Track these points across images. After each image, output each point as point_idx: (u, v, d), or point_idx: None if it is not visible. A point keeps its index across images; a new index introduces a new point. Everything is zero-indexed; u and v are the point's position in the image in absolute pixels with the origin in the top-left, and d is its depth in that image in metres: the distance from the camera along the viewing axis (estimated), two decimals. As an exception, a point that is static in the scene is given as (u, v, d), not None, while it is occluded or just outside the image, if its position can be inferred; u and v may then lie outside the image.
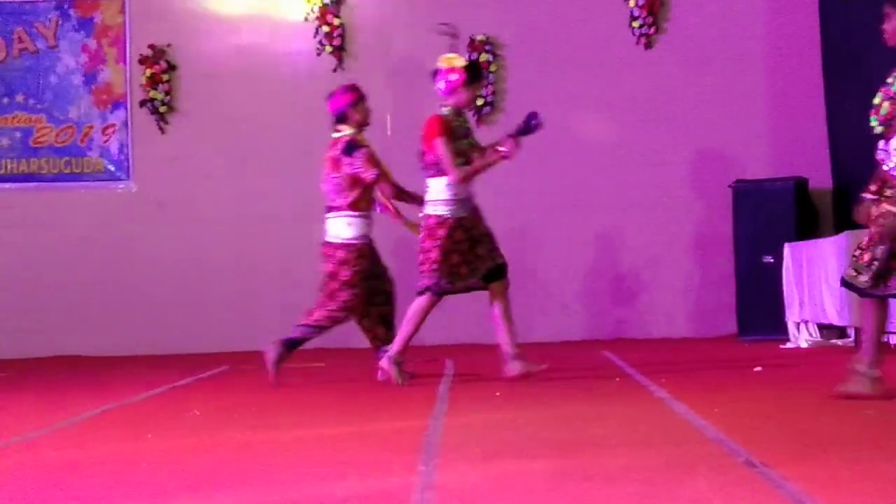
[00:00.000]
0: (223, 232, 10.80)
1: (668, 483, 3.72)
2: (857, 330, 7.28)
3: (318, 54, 10.95)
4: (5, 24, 10.97)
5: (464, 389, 7.06)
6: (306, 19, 10.93)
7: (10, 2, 10.98)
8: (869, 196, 5.82)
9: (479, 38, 10.95)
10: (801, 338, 9.05)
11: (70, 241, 10.80)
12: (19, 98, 10.98)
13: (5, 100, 10.97)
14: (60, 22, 11.01)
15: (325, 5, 10.90)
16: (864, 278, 5.65)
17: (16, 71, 10.99)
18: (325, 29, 10.91)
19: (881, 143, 5.76)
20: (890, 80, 5.74)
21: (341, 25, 10.95)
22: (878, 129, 5.77)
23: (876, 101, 5.75)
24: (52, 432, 5.61)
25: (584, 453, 4.42)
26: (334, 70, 10.92)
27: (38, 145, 10.98)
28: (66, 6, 11.00)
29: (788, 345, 9.05)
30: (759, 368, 7.32)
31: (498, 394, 6.59)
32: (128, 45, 11.00)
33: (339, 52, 10.96)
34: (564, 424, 5.35)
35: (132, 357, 10.09)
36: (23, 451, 5.03)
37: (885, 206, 5.66)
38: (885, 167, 5.72)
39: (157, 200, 10.83)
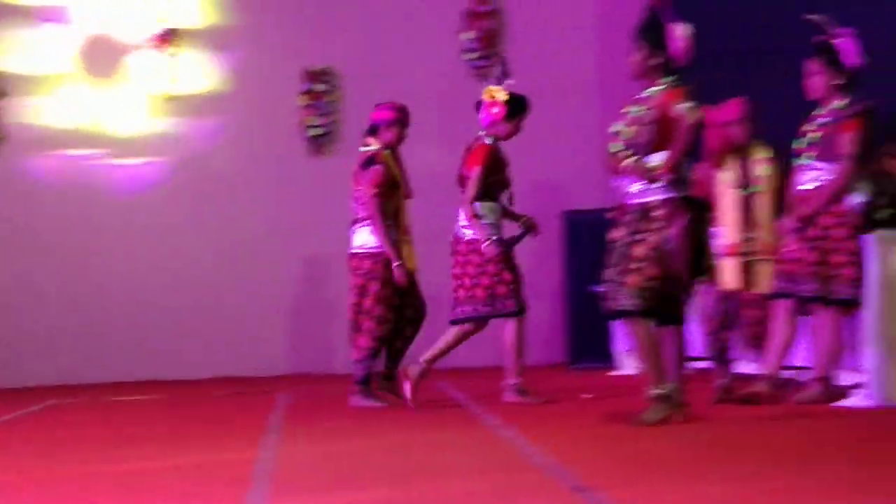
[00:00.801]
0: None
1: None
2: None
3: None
4: None
5: (297, 420, 7.03)
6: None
7: None
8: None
9: (316, 68, 10.97)
10: (629, 365, 9.25)
11: None
12: None
13: None
14: None
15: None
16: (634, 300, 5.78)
17: None
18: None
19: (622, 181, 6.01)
20: (628, 110, 5.98)
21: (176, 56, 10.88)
22: (619, 151, 5.96)
23: (615, 129, 5.98)
24: None
25: (416, 482, 4.49)
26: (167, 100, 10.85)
27: None
28: None
29: (616, 372, 9.24)
30: (588, 395, 7.54)
31: (330, 424, 6.63)
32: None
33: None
34: (398, 453, 5.41)
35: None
36: None
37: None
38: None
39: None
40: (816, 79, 6.52)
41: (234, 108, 10.92)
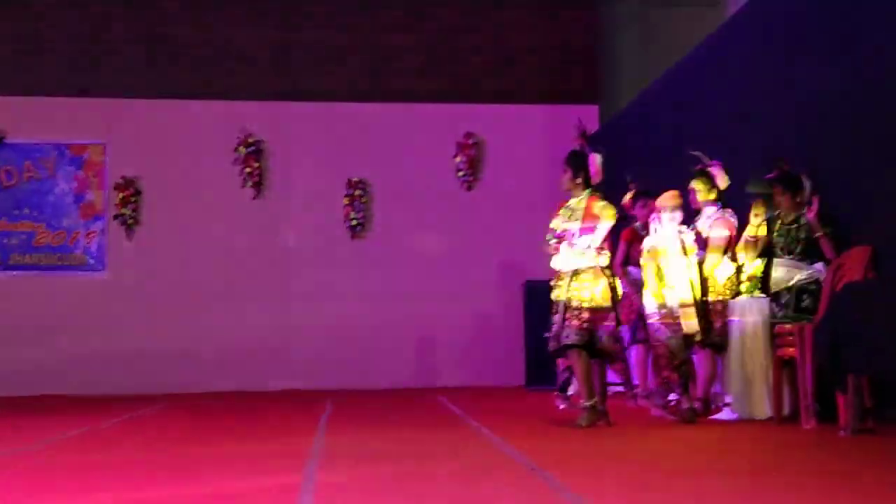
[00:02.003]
0: (162, 307, 10.60)
1: (475, 481, 3.84)
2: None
3: (242, 186, 10.93)
4: (18, 158, 10.71)
5: (339, 419, 6.92)
6: (235, 162, 10.93)
7: (22, 143, 10.73)
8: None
9: (355, 178, 11.06)
10: (572, 387, 9.24)
11: (60, 311, 10.49)
12: (26, 210, 10.69)
13: (16, 211, 10.67)
14: (57, 158, 10.80)
15: (248, 154, 10.92)
16: (575, 337, 5.77)
17: (24, 192, 10.72)
18: (248, 169, 10.94)
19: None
20: (561, 212, 6.05)
21: (259, 167, 10.97)
22: (552, 248, 6.01)
23: (553, 224, 6.07)
24: (41, 447, 5.41)
25: (420, 462, 4.50)
26: (253, 198, 10.93)
27: (39, 244, 10.69)
28: (62, 148, 10.81)
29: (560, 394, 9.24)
30: (563, 406, 7.18)
31: (362, 425, 6.56)
32: (107, 177, 10.83)
33: (257, 186, 10.97)
34: (407, 443, 5.43)
35: (85, 396, 9.68)
36: (20, 459, 4.80)
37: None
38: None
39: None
40: (696, 194, 6.59)
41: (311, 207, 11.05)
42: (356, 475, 4.04)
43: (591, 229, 5.89)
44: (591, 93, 11.43)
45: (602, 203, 5.95)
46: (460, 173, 11.22)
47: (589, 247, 5.87)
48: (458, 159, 11.21)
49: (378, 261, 10.95)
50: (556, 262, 5.99)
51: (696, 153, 6.59)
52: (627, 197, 7.40)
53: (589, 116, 11.00)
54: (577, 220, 5.93)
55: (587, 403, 5.79)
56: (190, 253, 10.73)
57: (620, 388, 7.91)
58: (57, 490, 3.79)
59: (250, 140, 10.93)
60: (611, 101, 11.21)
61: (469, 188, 11.25)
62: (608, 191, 6.36)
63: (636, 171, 7.75)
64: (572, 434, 5.56)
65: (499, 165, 11.27)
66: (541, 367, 9.66)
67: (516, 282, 10.48)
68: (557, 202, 6.22)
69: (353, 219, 11.01)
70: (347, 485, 3.77)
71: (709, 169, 6.54)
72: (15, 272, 10.58)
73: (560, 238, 5.99)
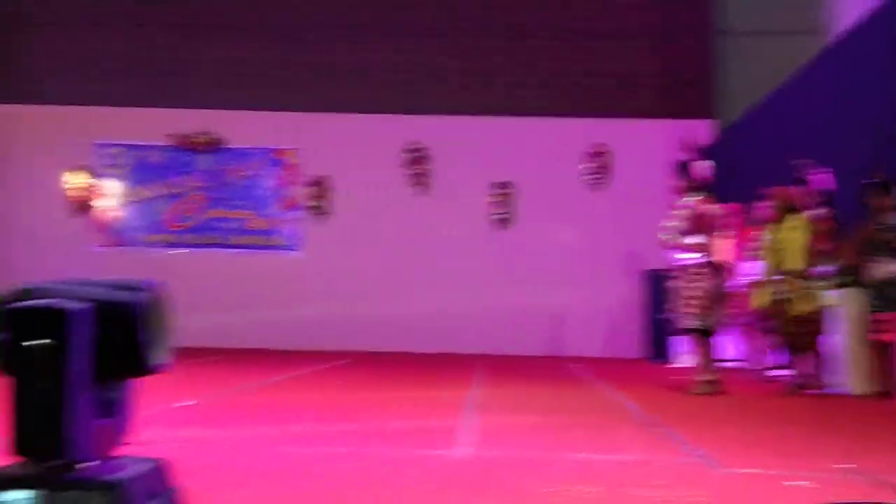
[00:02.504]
0: (344, 281, 10.95)
1: (604, 430, 3.88)
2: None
3: (409, 185, 11.17)
4: (234, 160, 11.25)
5: (488, 377, 7.08)
6: (404, 165, 11.17)
7: (237, 148, 11.25)
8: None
9: (502, 180, 11.14)
10: (684, 360, 9.07)
11: (265, 282, 11.01)
12: (240, 202, 11.24)
13: (233, 202, 11.22)
14: (264, 161, 11.29)
15: (415, 158, 11.15)
16: (697, 322, 5.70)
17: (238, 187, 11.25)
18: (415, 171, 11.17)
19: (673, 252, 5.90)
20: (674, 213, 5.94)
21: (424, 169, 11.19)
22: (667, 241, 5.94)
23: (665, 224, 5.94)
24: (258, 387, 5.77)
25: (558, 414, 4.56)
26: (418, 195, 11.16)
27: (250, 228, 11.24)
28: (268, 152, 11.30)
29: (673, 365, 9.08)
30: (678, 377, 6.93)
31: (507, 383, 6.67)
32: (302, 175, 11.27)
33: (422, 185, 11.19)
34: (548, 399, 5.49)
35: (297, 350, 10.05)
36: (244, 396, 5.19)
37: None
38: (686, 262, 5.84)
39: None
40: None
41: (465, 204, 11.22)
42: (507, 421, 4.14)
43: (701, 229, 5.78)
44: (706, 109, 11.15)
45: (711, 206, 5.84)
46: (590, 177, 11.16)
47: (701, 244, 5.76)
48: (588, 165, 11.14)
49: (519, 249, 11.01)
50: (675, 256, 5.93)
51: (798, 162, 6.36)
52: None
53: (703, 130, 10.76)
54: (687, 220, 5.84)
55: (708, 377, 5.69)
56: (367, 238, 11.06)
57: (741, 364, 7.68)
58: (263, 422, 4.04)
59: (415, 147, 11.18)
60: (724, 117, 10.94)
61: (598, 190, 11.17)
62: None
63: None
64: (690, 397, 5.50)
65: (623, 171, 11.15)
66: (658, 342, 9.55)
67: (637, 269, 10.36)
68: (672, 204, 6.14)
69: (500, 214, 11.11)
70: (500, 428, 3.87)
71: (808, 176, 6.31)
72: (233, 250, 11.17)
73: (674, 234, 5.92)
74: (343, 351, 10.11)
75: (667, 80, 11.33)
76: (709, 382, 5.68)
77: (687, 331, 5.83)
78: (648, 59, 11.38)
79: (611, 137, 11.18)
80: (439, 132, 11.21)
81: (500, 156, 11.14)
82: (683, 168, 6.00)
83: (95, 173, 11.14)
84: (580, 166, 11.10)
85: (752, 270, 6.87)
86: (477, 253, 11.03)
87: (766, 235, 6.19)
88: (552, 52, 11.36)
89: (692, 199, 5.90)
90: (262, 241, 11.15)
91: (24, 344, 1.61)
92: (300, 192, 11.16)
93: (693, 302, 5.72)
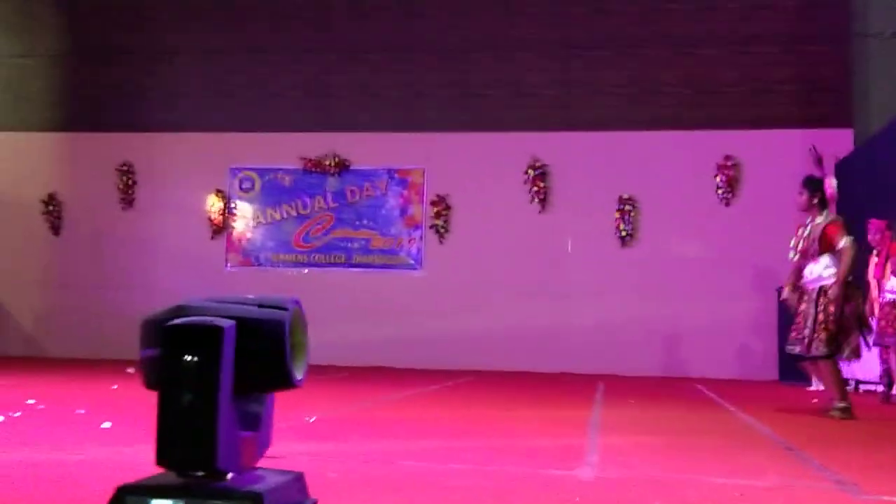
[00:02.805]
0: (466, 299, 11.04)
1: (736, 453, 3.76)
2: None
3: (530, 202, 11.20)
4: (359, 180, 11.59)
5: (612, 396, 7.03)
6: (525, 182, 11.22)
7: (362, 168, 11.60)
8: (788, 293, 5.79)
9: (626, 195, 11.02)
10: (818, 384, 8.70)
11: (388, 300, 11.24)
12: (365, 221, 11.56)
13: (357, 222, 11.56)
14: (388, 180, 11.58)
15: (535, 175, 11.18)
16: (824, 349, 5.47)
17: (363, 207, 11.59)
18: (535, 188, 11.19)
19: (796, 271, 5.75)
20: (800, 230, 5.74)
21: (544, 186, 11.19)
22: (794, 258, 5.75)
23: (792, 243, 5.71)
24: (383, 402, 5.91)
25: (686, 436, 4.46)
26: (539, 212, 11.16)
27: (373, 247, 11.53)
28: (392, 172, 11.58)
29: (811, 388, 8.73)
30: (815, 400, 6.80)
31: (632, 401, 6.59)
32: (425, 194, 11.48)
33: (542, 202, 11.20)
34: (672, 420, 5.37)
35: (419, 368, 10.27)
36: (370, 411, 5.34)
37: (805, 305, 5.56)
38: (806, 282, 5.62)
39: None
40: None
41: (587, 220, 11.13)
42: (633, 442, 4.08)
43: (828, 250, 5.56)
44: (845, 118, 10.65)
45: (839, 228, 5.58)
46: (720, 191, 10.86)
47: (828, 266, 5.53)
48: (717, 179, 10.85)
49: (644, 266, 10.84)
50: (803, 277, 5.70)
51: None
52: None
53: (843, 140, 10.29)
54: (815, 239, 5.61)
55: (841, 405, 5.46)
56: (488, 256, 11.16)
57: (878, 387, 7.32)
58: (390, 437, 4.14)
59: (537, 164, 11.20)
60: (863, 126, 10.40)
61: (727, 204, 10.86)
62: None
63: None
64: (824, 421, 5.27)
65: (755, 184, 10.79)
66: (793, 362, 9.16)
67: (770, 286, 9.96)
68: (801, 220, 5.91)
69: (623, 230, 10.96)
70: (626, 449, 3.82)
71: None
72: (357, 269, 11.49)
73: (801, 253, 5.70)
74: (465, 369, 10.22)
75: (802, 88, 10.91)
76: (842, 409, 5.43)
77: (807, 357, 5.59)
78: (780, 66, 10.99)
79: (741, 149, 10.85)
80: (561, 148, 11.19)
81: (623, 170, 11.01)
82: (810, 183, 5.76)
83: (230, 196, 11.73)
84: (710, 180, 10.82)
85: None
86: (601, 270, 10.91)
87: None
88: (676, 62, 11.16)
89: (819, 219, 5.68)
90: (386, 259, 11.42)
91: (177, 359, 1.74)
92: (423, 211, 11.35)
93: (823, 326, 5.46)
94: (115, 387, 6.50)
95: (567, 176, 11.20)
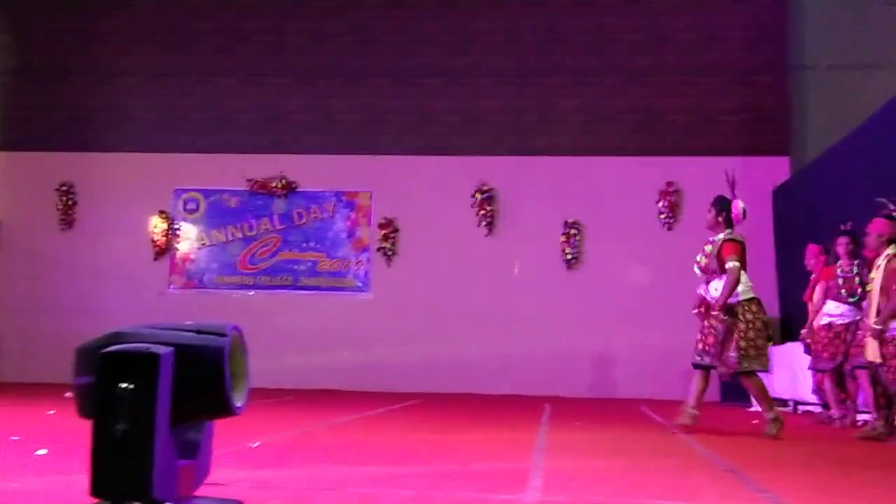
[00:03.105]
0: (412, 321, 11.03)
1: (679, 476, 3.79)
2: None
3: (477, 225, 11.25)
4: (307, 203, 11.53)
5: (557, 419, 7.02)
6: (472, 206, 11.27)
7: (310, 191, 11.53)
8: (696, 312, 5.94)
9: (571, 220, 11.14)
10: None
11: (335, 323, 11.15)
12: (312, 243, 11.48)
13: (304, 244, 11.48)
14: (336, 203, 11.53)
15: (482, 199, 11.24)
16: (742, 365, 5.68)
17: (311, 229, 11.52)
18: (482, 212, 11.25)
19: (703, 285, 5.90)
20: (707, 246, 5.92)
21: (491, 210, 11.26)
22: (699, 274, 5.93)
23: (697, 258, 5.88)
24: (329, 426, 5.84)
25: (630, 457, 4.48)
26: (486, 235, 11.22)
27: (321, 270, 11.44)
28: (340, 195, 11.55)
29: (752, 408, 8.85)
30: (756, 421, 6.80)
31: (577, 423, 6.59)
32: (373, 217, 11.46)
33: (489, 226, 11.26)
34: (619, 442, 5.40)
35: (366, 391, 10.19)
36: (315, 436, 5.28)
37: (713, 322, 5.72)
38: (707, 297, 5.75)
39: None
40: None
41: (533, 243, 11.20)
42: (577, 465, 4.09)
43: (719, 269, 5.76)
44: (783, 146, 10.97)
45: (732, 248, 5.79)
46: (662, 216, 11.06)
47: (721, 310, 5.71)
48: (660, 204, 11.04)
49: (589, 289, 10.95)
50: (706, 292, 5.91)
51: (882, 200, 6.18)
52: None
53: (781, 167, 10.59)
54: (714, 256, 5.83)
55: (770, 415, 5.62)
56: (435, 278, 11.18)
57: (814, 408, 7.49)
58: (335, 462, 4.09)
59: (485, 188, 11.27)
60: (800, 155, 10.74)
61: (669, 229, 11.05)
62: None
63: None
64: (765, 442, 5.36)
65: (696, 209, 10.96)
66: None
67: (711, 310, 10.13)
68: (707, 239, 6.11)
69: (569, 253, 11.08)
70: (571, 472, 3.83)
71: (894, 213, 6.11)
72: (303, 291, 11.40)
73: (703, 270, 5.91)
74: (412, 392, 10.20)
75: (745, 117, 11.21)
76: (773, 420, 5.60)
77: (740, 373, 5.77)
78: (724, 97, 11.29)
79: (683, 176, 11.07)
80: (509, 173, 11.30)
81: (569, 196, 11.15)
82: (719, 202, 6.01)
83: (174, 217, 11.55)
84: (652, 205, 11.01)
85: (836, 311, 6.71)
86: (546, 293, 11.00)
87: (872, 274, 5.92)
88: (622, 90, 11.38)
89: (720, 237, 5.89)
90: (333, 282, 11.35)
91: (112, 387, 1.70)
92: (371, 234, 11.33)
93: (728, 344, 5.69)
94: (52, 412, 6.32)
95: (515, 200, 11.29)
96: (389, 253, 11.31)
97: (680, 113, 11.26)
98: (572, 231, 11.11)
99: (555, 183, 11.23)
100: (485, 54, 11.56)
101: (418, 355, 10.87)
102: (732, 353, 5.67)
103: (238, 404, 1.87)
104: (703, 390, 5.97)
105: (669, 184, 11.07)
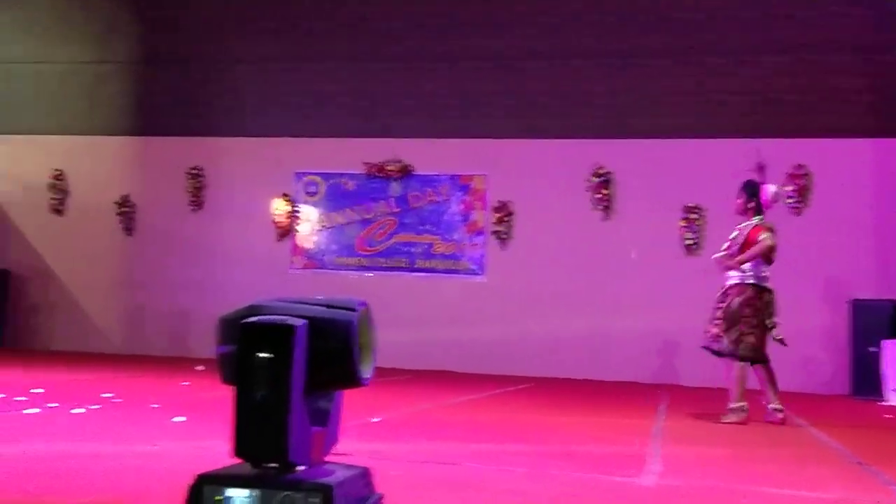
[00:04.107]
0: (527, 304, 11.05)
1: (802, 466, 3.72)
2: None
3: (592, 209, 11.14)
4: (422, 186, 11.68)
5: (673, 408, 6.91)
6: (587, 190, 11.15)
7: (425, 174, 11.67)
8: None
9: (691, 204, 10.87)
10: (893, 398, 8.50)
11: (449, 306, 11.31)
12: (427, 226, 11.65)
13: (420, 227, 11.66)
14: (450, 186, 11.65)
15: (598, 183, 11.11)
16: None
17: (426, 212, 11.67)
18: (598, 196, 11.13)
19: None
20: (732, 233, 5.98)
21: (607, 194, 11.12)
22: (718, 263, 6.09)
23: (724, 246, 6.05)
24: (443, 406, 5.98)
25: (751, 447, 4.42)
26: (602, 220, 11.10)
27: (436, 252, 11.62)
28: (455, 178, 11.65)
29: (885, 402, 8.51)
30: (889, 416, 6.71)
31: (695, 412, 6.48)
32: (487, 200, 11.53)
33: (605, 210, 11.13)
34: (739, 432, 5.31)
35: (478, 373, 10.28)
36: (430, 414, 5.42)
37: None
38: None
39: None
40: None
41: (651, 228, 11.04)
42: (696, 452, 4.06)
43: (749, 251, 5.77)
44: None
45: (765, 233, 5.78)
46: (790, 200, 10.63)
47: (741, 263, 5.80)
48: (788, 188, 10.63)
49: (709, 276, 10.65)
50: (727, 276, 5.95)
51: None
52: None
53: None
54: (740, 242, 5.84)
55: (734, 405, 5.68)
56: (550, 262, 11.13)
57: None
58: (450, 439, 4.20)
59: (600, 171, 11.15)
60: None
61: (798, 213, 10.62)
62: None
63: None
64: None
65: (826, 193, 10.53)
66: (867, 376, 8.98)
67: (841, 297, 9.76)
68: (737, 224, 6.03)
69: (689, 238, 10.83)
70: (689, 459, 3.82)
71: None
72: (418, 274, 11.60)
73: (728, 256, 5.92)
74: (524, 375, 10.21)
75: (872, 97, 10.65)
76: (736, 410, 5.59)
77: (714, 353, 5.94)
78: (857, 75, 10.75)
79: (812, 158, 10.62)
80: (624, 155, 11.13)
81: (689, 179, 10.88)
82: (748, 187, 5.88)
83: (295, 200, 11.97)
84: (776, 189, 10.59)
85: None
86: (664, 279, 10.80)
87: None
88: (738, 73, 10.99)
89: (749, 222, 5.90)
90: (448, 265, 11.50)
91: (252, 356, 1.84)
92: (485, 217, 11.42)
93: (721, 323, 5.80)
94: (187, 383, 6.72)
95: (631, 183, 11.10)
96: (504, 236, 11.34)
97: (800, 92, 10.79)
98: (692, 215, 10.84)
99: (673, 166, 10.98)
100: (593, 35, 11.40)
101: (531, 339, 10.87)
102: (731, 335, 5.75)
103: (365, 375, 1.99)
104: (773, 381, 5.88)
105: (798, 166, 10.63)
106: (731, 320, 5.75)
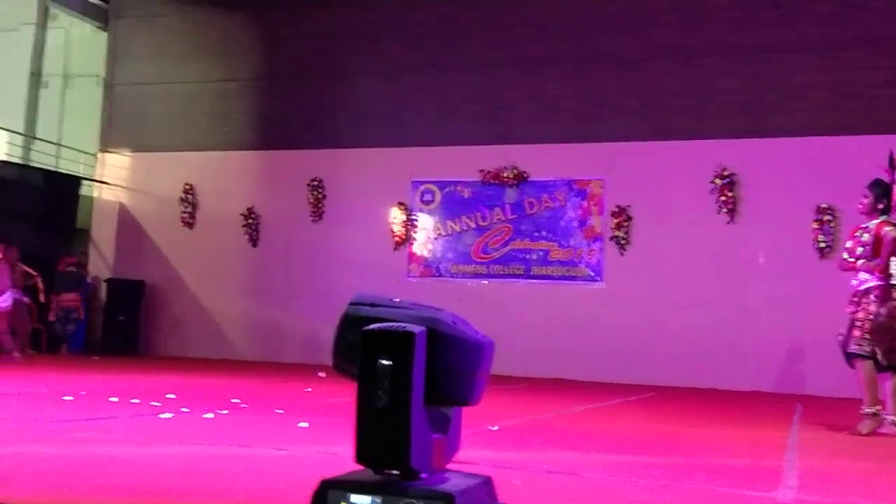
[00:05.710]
0: (649, 311, 10.80)
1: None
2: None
3: (717, 212, 10.79)
4: (538, 192, 11.62)
5: (808, 418, 6.62)
6: (711, 192, 10.81)
7: (541, 180, 11.59)
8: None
9: (824, 205, 10.36)
10: None
11: (567, 313, 11.19)
12: (543, 233, 11.57)
13: (536, 233, 11.59)
14: (567, 192, 11.53)
15: (723, 185, 10.75)
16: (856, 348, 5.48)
17: (542, 218, 11.61)
18: (723, 198, 10.77)
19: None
20: (857, 233, 5.64)
21: (733, 196, 10.75)
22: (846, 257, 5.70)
23: (848, 245, 5.69)
24: (563, 414, 5.89)
25: (893, 462, 4.15)
26: (727, 223, 10.73)
27: (552, 259, 11.52)
28: (571, 183, 11.53)
29: None
30: None
31: (831, 423, 6.17)
32: (605, 205, 11.35)
33: (731, 212, 10.76)
34: (881, 445, 5.00)
35: (598, 381, 10.13)
36: (551, 422, 5.34)
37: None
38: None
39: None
40: None
41: (780, 230, 10.60)
42: (835, 465, 3.85)
43: (878, 252, 5.41)
44: None
45: (889, 229, 5.41)
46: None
47: (875, 266, 5.39)
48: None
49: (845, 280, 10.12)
50: (854, 280, 5.59)
51: None
52: None
53: None
54: (869, 244, 5.47)
55: (868, 410, 5.32)
56: (671, 267, 10.85)
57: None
58: (572, 448, 4.12)
59: (725, 173, 10.77)
60: None
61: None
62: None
63: None
64: None
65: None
66: None
67: None
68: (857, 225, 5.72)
69: (822, 241, 10.30)
70: (828, 472, 3.61)
71: None
72: (535, 280, 11.53)
73: (855, 258, 5.56)
74: (645, 384, 9.99)
75: None
76: (869, 416, 5.29)
77: (852, 356, 5.46)
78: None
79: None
80: (749, 156, 10.72)
81: (820, 179, 10.37)
82: (877, 186, 5.45)
83: (412, 209, 12.13)
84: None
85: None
86: (797, 284, 10.31)
87: None
88: (869, 64, 10.39)
89: (875, 221, 5.54)
90: (565, 271, 11.38)
91: (374, 362, 1.84)
92: (603, 222, 11.23)
93: (860, 325, 5.41)
94: (309, 389, 6.89)
95: (758, 185, 10.69)
96: (622, 242, 11.13)
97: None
98: (826, 217, 10.31)
99: (805, 165, 10.49)
100: (719, 31, 11.03)
101: (652, 346, 10.62)
102: (856, 333, 5.42)
103: (478, 398, 1.97)
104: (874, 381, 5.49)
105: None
106: (881, 332, 5.39)
